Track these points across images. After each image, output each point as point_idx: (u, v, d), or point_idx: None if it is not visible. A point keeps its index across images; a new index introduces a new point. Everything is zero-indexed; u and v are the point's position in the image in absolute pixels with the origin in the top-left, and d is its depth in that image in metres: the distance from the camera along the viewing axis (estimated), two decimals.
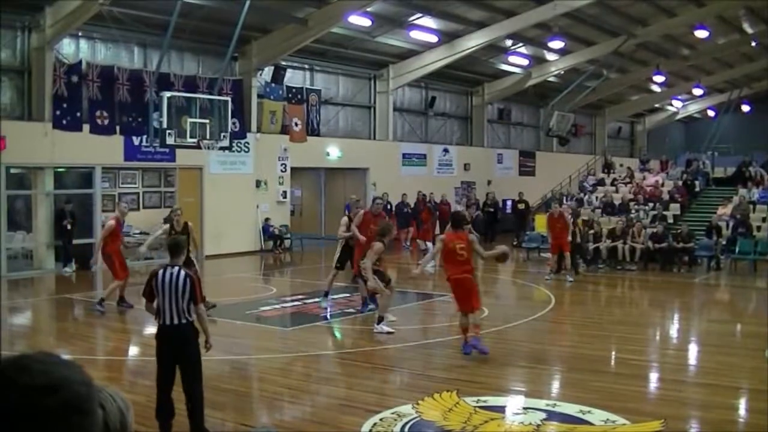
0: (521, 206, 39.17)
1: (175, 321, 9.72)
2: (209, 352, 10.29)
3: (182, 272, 9.83)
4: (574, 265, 26.25)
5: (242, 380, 13.31)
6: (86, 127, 27.88)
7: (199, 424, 9.76)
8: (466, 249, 14.33)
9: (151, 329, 12.14)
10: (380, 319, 16.41)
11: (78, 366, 1.94)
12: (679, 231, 28.80)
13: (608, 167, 43.49)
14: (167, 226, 19.25)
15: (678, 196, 34.41)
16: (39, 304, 21.52)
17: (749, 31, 41.61)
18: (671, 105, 62.68)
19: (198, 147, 26.18)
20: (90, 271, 27.19)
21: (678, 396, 11.77)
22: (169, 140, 25.24)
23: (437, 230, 37.46)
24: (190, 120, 25.48)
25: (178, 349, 9.81)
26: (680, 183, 36.07)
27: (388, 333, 16.07)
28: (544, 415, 10.48)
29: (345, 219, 20.55)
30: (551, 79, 46.23)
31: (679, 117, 65.26)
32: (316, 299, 20.58)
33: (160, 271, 9.88)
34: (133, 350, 16.18)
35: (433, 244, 30.88)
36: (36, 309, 20.73)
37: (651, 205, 33.51)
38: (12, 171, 26.95)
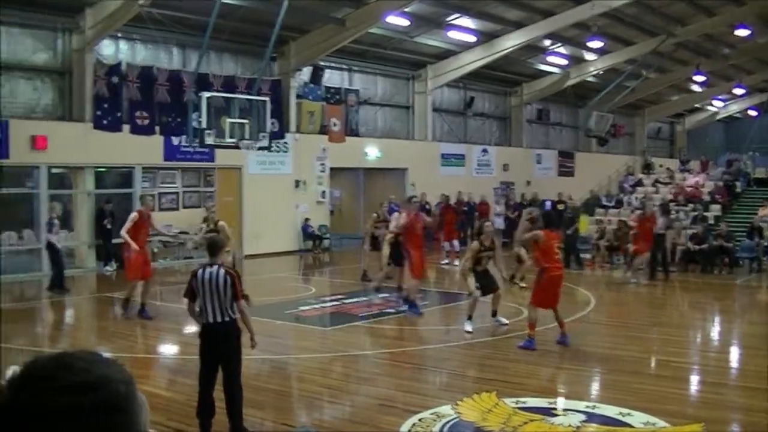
0: (560, 207, 38.96)
1: (218, 319, 9.77)
2: (252, 350, 10.31)
3: (222, 270, 9.88)
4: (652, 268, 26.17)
5: (282, 380, 13.33)
6: (126, 127, 28.10)
7: (237, 423, 9.80)
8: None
9: (191, 328, 12.24)
10: (469, 317, 16.61)
11: (119, 364, 1.95)
12: (719, 232, 28.57)
13: (647, 168, 43.25)
14: (204, 226, 19.49)
15: (718, 196, 34.14)
16: (80, 303, 21.68)
17: None
18: (711, 105, 62.22)
19: (237, 147, 26.25)
20: None
21: (719, 399, 11.67)
22: (208, 140, 25.31)
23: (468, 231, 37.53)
24: (229, 120, 25.55)
25: (221, 348, 9.87)
26: (721, 184, 35.78)
27: (467, 332, 16.26)
28: (583, 417, 10.43)
29: (396, 215, 20.97)
30: (590, 79, 46.03)
31: (719, 117, 64.78)
32: (356, 299, 20.68)
33: (200, 271, 9.95)
34: (173, 349, 16.26)
35: (458, 244, 31.13)
36: (77, 307, 20.88)
37: (691, 206, 33.25)
38: (53, 171, 27.14)
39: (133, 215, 19.19)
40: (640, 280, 25.14)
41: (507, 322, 17.07)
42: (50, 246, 22.66)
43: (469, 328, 16.33)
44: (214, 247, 10.34)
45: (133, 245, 18.37)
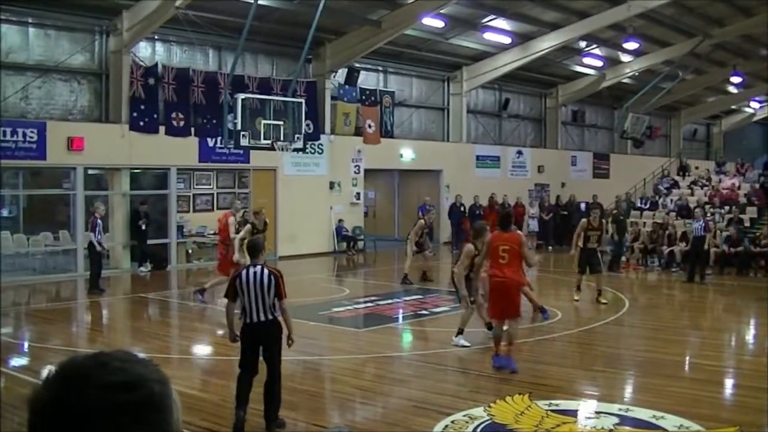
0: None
1: (262, 318, 10.08)
2: (288, 349, 10.42)
3: (266, 270, 10.20)
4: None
5: (315, 381, 13.38)
6: (162, 128, 28.26)
7: (273, 415, 10.13)
8: (509, 251, 13.44)
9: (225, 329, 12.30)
10: (459, 332, 15.48)
11: (154, 364, 1.98)
12: (756, 235, 28.35)
13: (683, 170, 42.97)
14: (249, 226, 19.63)
15: (755, 199, 33.82)
16: (115, 303, 21.83)
17: None
18: (749, 106, 61.68)
19: (272, 148, 26.31)
20: (165, 271, 27.60)
21: (754, 403, 11.53)
22: (244, 142, 25.38)
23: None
24: (264, 122, 25.61)
25: (264, 346, 10.17)
26: (757, 186, 35.47)
27: (463, 346, 15.29)
28: (616, 420, 10.40)
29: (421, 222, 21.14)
30: (626, 80, 45.81)
31: (756, 118, 64.21)
32: (390, 300, 20.83)
33: (244, 271, 10.26)
34: (207, 349, 16.34)
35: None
36: (112, 307, 21.02)
37: (727, 208, 32.97)
38: (90, 172, 27.33)
39: (232, 220, 20.53)
40: None
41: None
42: (90, 246, 22.78)
43: (463, 342, 15.28)
44: (254, 249, 10.63)
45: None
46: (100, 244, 22.57)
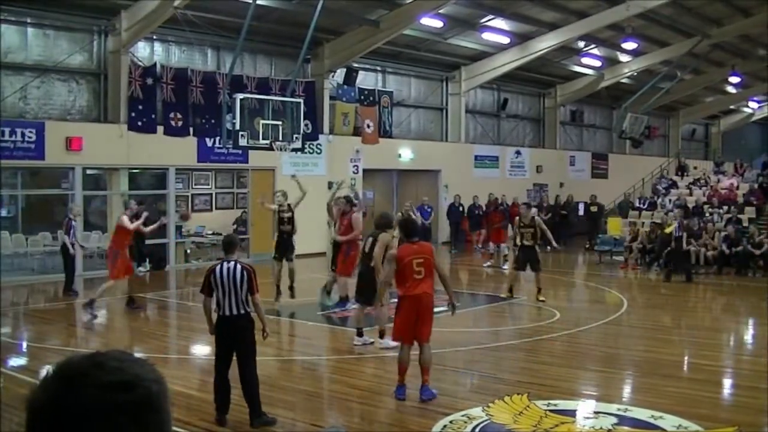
0: (594, 209, 38.81)
1: (234, 312, 10.38)
2: (288, 350, 10.45)
3: (239, 266, 10.47)
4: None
5: (314, 381, 13.37)
6: (160, 128, 28.24)
7: (256, 408, 10.32)
8: (424, 264, 11.83)
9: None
10: (381, 333, 15.07)
11: (150, 364, 1.98)
12: (749, 233, 28.34)
13: (682, 170, 42.99)
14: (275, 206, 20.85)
15: (753, 199, 33.82)
16: (113, 303, 21.78)
17: None
18: (747, 106, 61.72)
19: (270, 148, 26.28)
20: (164, 271, 27.59)
21: (753, 403, 11.53)
22: (242, 142, 25.35)
23: (509, 232, 37.46)
24: (262, 122, 25.56)
25: (235, 338, 10.49)
26: (756, 186, 35.47)
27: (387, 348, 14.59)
28: (615, 420, 10.41)
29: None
30: (624, 80, 45.85)
31: (755, 118, 64.27)
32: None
33: (218, 267, 10.56)
34: (204, 349, 16.31)
35: (503, 246, 31.18)
36: (110, 307, 20.98)
37: (725, 208, 32.96)
38: (88, 172, 27.31)
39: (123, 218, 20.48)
40: None
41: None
42: (64, 248, 22.53)
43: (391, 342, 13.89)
44: (230, 244, 10.98)
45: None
46: (73, 245, 22.41)
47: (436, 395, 11.64)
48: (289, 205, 20.63)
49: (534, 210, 23.72)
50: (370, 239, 15.71)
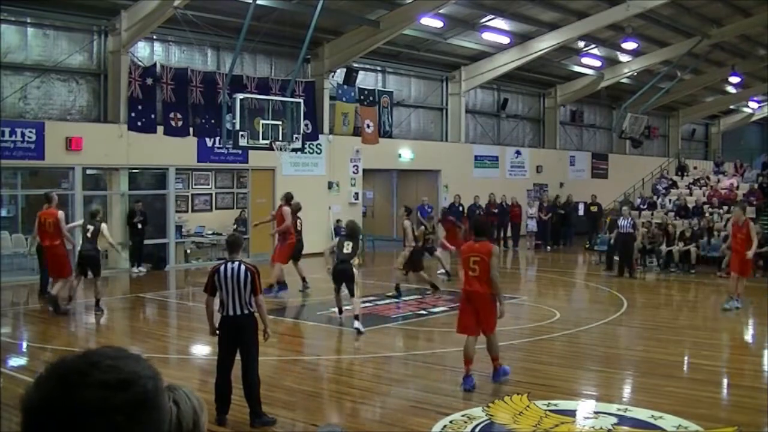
0: (594, 209, 38.82)
1: (237, 312, 10.48)
2: (287, 350, 10.48)
3: (243, 266, 10.56)
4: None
5: (313, 381, 13.35)
6: (160, 128, 28.24)
7: (256, 407, 10.41)
8: (480, 263, 12.39)
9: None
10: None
11: (145, 360, 1.98)
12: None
13: (682, 170, 42.98)
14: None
15: (753, 199, 33.78)
16: (112, 303, 21.76)
17: None
18: (747, 106, 61.72)
19: (270, 149, 26.28)
20: (163, 271, 27.57)
21: (753, 403, 11.52)
22: (242, 142, 25.35)
23: (509, 232, 37.49)
24: (262, 122, 25.58)
25: (238, 337, 10.56)
26: (756, 186, 35.44)
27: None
28: (615, 420, 10.41)
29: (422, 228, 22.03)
30: (624, 80, 45.85)
31: (755, 118, 64.28)
32: (387, 301, 20.90)
33: (222, 267, 10.64)
34: (205, 349, 16.30)
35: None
36: (109, 307, 20.95)
37: (725, 208, 32.93)
38: (88, 172, 27.29)
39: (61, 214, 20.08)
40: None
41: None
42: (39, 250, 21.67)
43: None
44: (234, 244, 11.04)
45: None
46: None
47: (509, 371, 12.65)
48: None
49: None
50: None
